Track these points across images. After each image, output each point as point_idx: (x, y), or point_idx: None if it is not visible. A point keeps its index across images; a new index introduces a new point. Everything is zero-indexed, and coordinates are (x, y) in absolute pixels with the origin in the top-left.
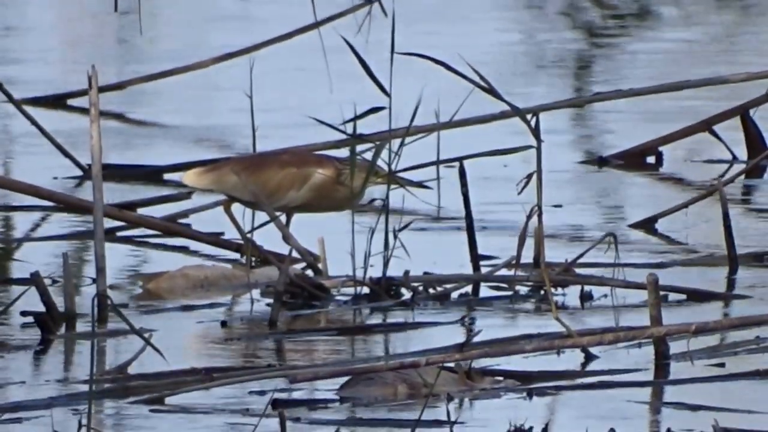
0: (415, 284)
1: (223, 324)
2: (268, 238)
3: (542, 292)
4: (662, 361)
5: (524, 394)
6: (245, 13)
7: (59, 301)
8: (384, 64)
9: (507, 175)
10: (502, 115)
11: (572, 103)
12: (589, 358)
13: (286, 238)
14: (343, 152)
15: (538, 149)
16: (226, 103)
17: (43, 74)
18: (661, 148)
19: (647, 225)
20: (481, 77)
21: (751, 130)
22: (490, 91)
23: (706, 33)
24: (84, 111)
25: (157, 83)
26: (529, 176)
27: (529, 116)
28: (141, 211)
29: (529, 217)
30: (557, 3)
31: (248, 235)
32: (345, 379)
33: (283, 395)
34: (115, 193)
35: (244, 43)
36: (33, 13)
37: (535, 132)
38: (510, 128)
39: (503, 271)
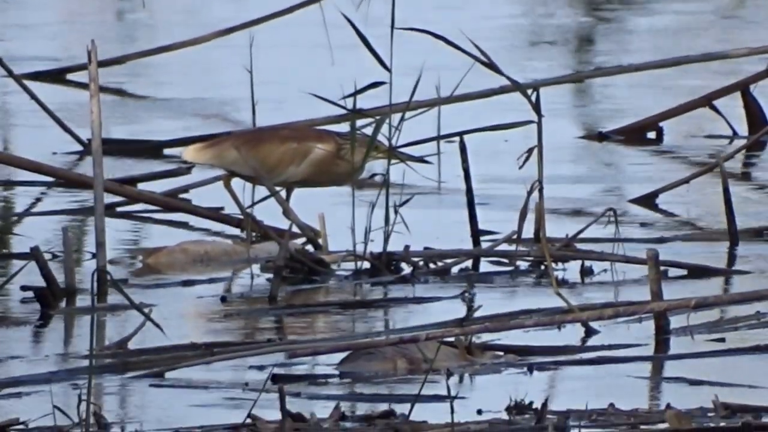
0: (416, 259)
1: (223, 299)
2: (268, 213)
3: (543, 267)
4: (662, 336)
5: (524, 369)
6: None
7: (59, 276)
8: (383, 40)
9: (508, 150)
10: (503, 90)
11: (573, 78)
12: (590, 332)
13: (286, 212)
14: (344, 127)
15: (539, 124)
16: (226, 78)
17: (43, 49)
18: (661, 124)
19: (648, 200)
20: (482, 52)
21: (751, 106)
22: (491, 65)
23: (709, 8)
24: (84, 86)
25: (157, 57)
26: (530, 151)
27: (529, 91)
28: (141, 186)
29: (529, 192)
30: None
31: (248, 210)
32: (345, 354)
33: (283, 370)
34: (116, 168)
35: (242, 15)
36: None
37: (536, 107)
38: (510, 104)
39: (504, 246)
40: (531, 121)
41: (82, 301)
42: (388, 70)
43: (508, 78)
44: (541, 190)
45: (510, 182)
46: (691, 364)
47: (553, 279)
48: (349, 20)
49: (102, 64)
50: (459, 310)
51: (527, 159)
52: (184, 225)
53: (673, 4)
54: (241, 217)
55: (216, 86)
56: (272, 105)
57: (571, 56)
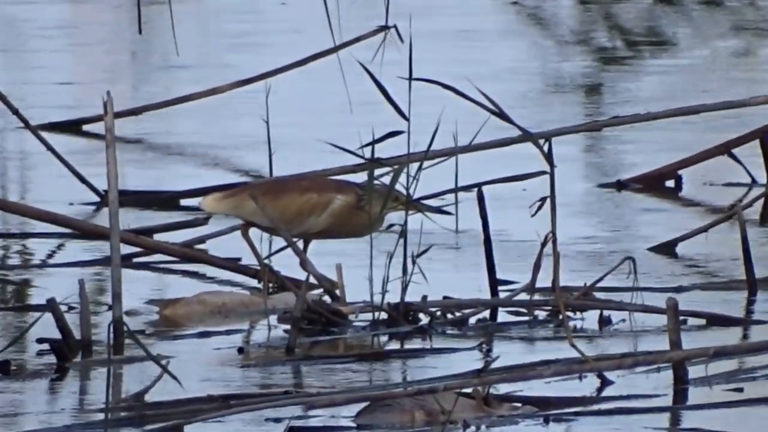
0: (433, 309)
1: (240, 350)
2: (286, 264)
3: (560, 317)
4: (681, 386)
5: (541, 420)
6: (252, 34)
7: (75, 328)
8: (396, 84)
9: (527, 198)
10: (520, 139)
11: (587, 127)
12: (605, 383)
13: (304, 263)
14: (361, 177)
15: (551, 174)
16: (242, 125)
17: (56, 97)
18: (679, 172)
19: (666, 249)
20: (493, 103)
21: None
22: (502, 115)
23: (721, 55)
24: (100, 137)
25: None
26: (543, 200)
27: (542, 141)
28: (158, 236)
29: (543, 243)
30: (568, 27)
31: (265, 261)
32: (362, 405)
33: (300, 422)
34: (132, 218)
35: (255, 61)
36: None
37: (548, 157)
38: (530, 151)
39: (522, 296)
40: (544, 172)
41: (99, 353)
42: (407, 119)
43: (520, 128)
44: (554, 241)
45: (529, 231)
46: (709, 414)
47: (567, 329)
48: (368, 70)
49: (118, 115)
50: (476, 360)
51: (540, 208)
52: (201, 276)
53: (686, 54)
54: (259, 267)
55: (232, 134)
56: (289, 154)
57: (584, 105)
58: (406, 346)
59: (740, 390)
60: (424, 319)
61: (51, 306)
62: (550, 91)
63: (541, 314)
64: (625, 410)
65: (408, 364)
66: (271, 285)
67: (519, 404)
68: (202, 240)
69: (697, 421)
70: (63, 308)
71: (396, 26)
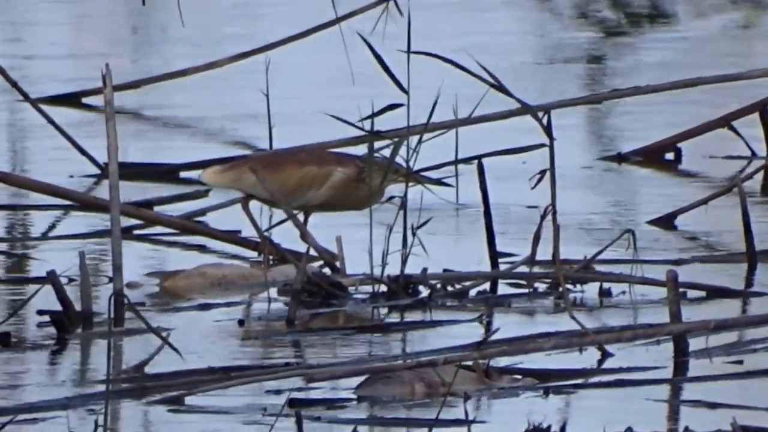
0: (433, 282)
1: (241, 323)
2: (286, 237)
3: (560, 289)
4: (681, 358)
5: (541, 392)
6: (252, 5)
7: (76, 301)
8: (396, 57)
9: (526, 171)
10: (520, 112)
11: (587, 99)
12: (605, 355)
13: (304, 236)
14: (361, 149)
15: (551, 147)
16: (241, 98)
17: (57, 69)
18: (679, 145)
19: (666, 221)
20: (492, 76)
21: None
22: (501, 88)
23: (721, 28)
24: (100, 109)
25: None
26: (542, 172)
27: (541, 114)
28: (158, 209)
29: (543, 216)
30: (569, 0)
31: (265, 234)
32: (362, 378)
33: (301, 394)
34: (132, 191)
35: (253, 35)
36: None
37: (547, 129)
38: (530, 124)
39: (522, 269)
40: (544, 145)
41: (99, 325)
42: (406, 92)
43: (519, 101)
44: (554, 213)
45: (528, 204)
46: (710, 386)
47: (567, 302)
48: (368, 43)
49: (117, 88)
50: (477, 333)
51: (539, 181)
52: (201, 248)
53: (686, 27)
54: (259, 240)
55: (231, 107)
56: (288, 126)
57: (586, 77)
58: (406, 319)
59: (740, 362)
60: (424, 291)
61: (51, 278)
62: (549, 64)
63: (541, 287)
64: (626, 382)
65: (408, 337)
66: (271, 257)
67: (519, 376)
68: (202, 212)
69: (697, 393)
70: (63, 280)
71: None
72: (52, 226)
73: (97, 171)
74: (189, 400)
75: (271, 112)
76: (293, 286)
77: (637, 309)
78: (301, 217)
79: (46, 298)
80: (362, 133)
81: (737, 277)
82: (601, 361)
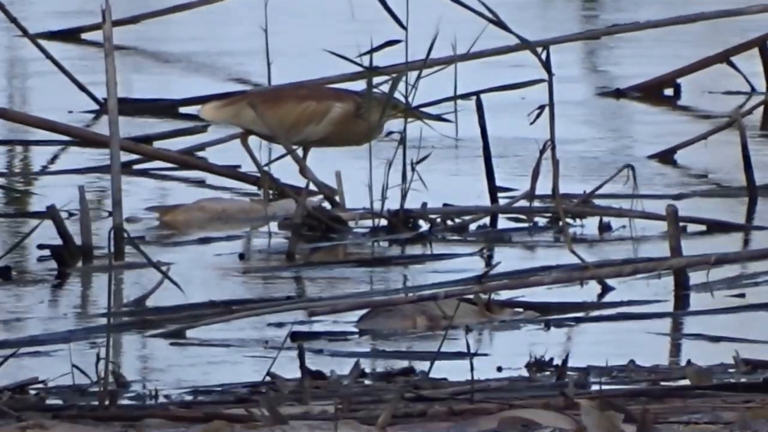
0: (433, 216)
1: (241, 256)
2: (285, 172)
3: (560, 223)
4: (682, 292)
5: (542, 325)
6: None
7: (76, 236)
8: None
9: (525, 106)
10: (518, 47)
11: (586, 35)
12: (606, 289)
13: (303, 171)
14: (359, 85)
15: (550, 83)
16: (240, 33)
17: (56, 5)
18: (678, 80)
19: (666, 156)
20: (491, 11)
21: None
22: (500, 24)
23: None
24: (99, 45)
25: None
26: (541, 108)
27: (540, 49)
28: (157, 144)
29: (542, 151)
30: None
31: (265, 168)
32: (364, 311)
33: (302, 328)
34: (131, 126)
35: None
36: None
37: (546, 65)
38: (529, 59)
39: (522, 203)
40: (542, 80)
41: (99, 259)
42: (404, 28)
43: (518, 36)
44: (553, 149)
45: (528, 139)
46: (711, 320)
47: (567, 236)
48: None
49: (116, 23)
50: (477, 266)
51: (538, 116)
52: (200, 183)
53: None
54: (258, 175)
55: (230, 42)
56: (287, 62)
57: (585, 12)
58: (407, 253)
59: (742, 296)
60: (424, 225)
61: (51, 213)
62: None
63: (541, 221)
64: (626, 316)
65: (409, 270)
66: (270, 192)
67: (520, 310)
68: (201, 147)
69: (698, 326)
70: (63, 215)
71: None
72: (52, 162)
73: (96, 107)
74: (190, 333)
75: (270, 48)
76: (293, 220)
77: (638, 243)
78: (300, 152)
79: (46, 233)
80: (361, 69)
81: (737, 212)
82: (601, 295)
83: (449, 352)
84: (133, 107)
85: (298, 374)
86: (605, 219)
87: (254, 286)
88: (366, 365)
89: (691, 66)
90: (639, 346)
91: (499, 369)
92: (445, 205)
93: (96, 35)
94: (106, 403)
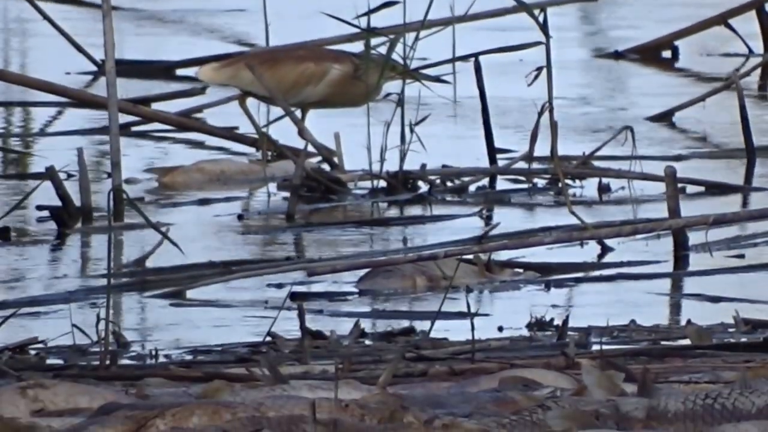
0: (432, 177)
1: (240, 217)
2: (284, 133)
3: (559, 185)
4: (681, 252)
5: (543, 285)
6: None
7: (75, 197)
8: None
9: (524, 69)
10: (516, 9)
11: None
12: (605, 250)
13: (302, 132)
14: (357, 47)
15: (547, 45)
16: None
17: None
18: (676, 42)
19: (664, 118)
20: None
21: (766, 24)
22: None
23: None
24: (96, 5)
25: None
26: (539, 70)
27: (537, 11)
28: (155, 106)
29: (540, 113)
30: None
31: (263, 130)
32: (364, 271)
33: (302, 288)
34: (129, 88)
35: None
36: None
37: (543, 27)
38: (527, 21)
39: (521, 164)
40: (540, 42)
41: (99, 220)
42: None
43: None
44: (551, 110)
45: (526, 100)
46: (711, 280)
47: (566, 197)
48: None
49: None
50: (477, 227)
51: (536, 78)
52: (199, 144)
53: None
54: (257, 136)
55: (228, 3)
56: (285, 23)
57: None
58: (406, 214)
59: (742, 256)
60: (423, 187)
61: (50, 174)
62: None
63: (540, 182)
64: (626, 276)
65: (408, 231)
66: (269, 153)
67: (521, 270)
68: (199, 109)
69: (698, 286)
70: (62, 176)
71: None
72: (50, 123)
73: (94, 68)
74: (190, 293)
75: (268, 9)
76: (292, 181)
77: (637, 204)
78: (299, 113)
79: (45, 194)
80: (359, 30)
81: (735, 173)
82: (601, 256)
83: (450, 312)
84: (130, 69)
85: (298, 334)
86: (604, 180)
87: (254, 246)
88: (366, 325)
89: (689, 28)
90: (639, 306)
91: (500, 329)
92: (444, 166)
93: None
94: (107, 362)
